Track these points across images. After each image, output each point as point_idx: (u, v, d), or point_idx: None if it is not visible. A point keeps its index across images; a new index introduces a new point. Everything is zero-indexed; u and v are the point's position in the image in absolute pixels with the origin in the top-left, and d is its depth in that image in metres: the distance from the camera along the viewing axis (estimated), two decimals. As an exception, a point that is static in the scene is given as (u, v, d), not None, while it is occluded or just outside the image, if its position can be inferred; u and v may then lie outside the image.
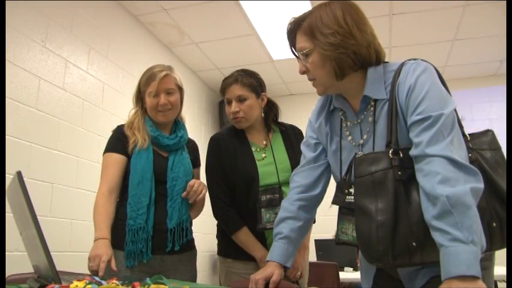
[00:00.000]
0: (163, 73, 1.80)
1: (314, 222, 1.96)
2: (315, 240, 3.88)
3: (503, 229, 1.09)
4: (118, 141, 1.81)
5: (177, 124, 1.94)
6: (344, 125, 1.30)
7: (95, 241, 1.59)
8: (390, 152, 1.11)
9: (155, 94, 1.80)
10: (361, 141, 1.24)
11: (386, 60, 1.27)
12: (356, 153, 1.19)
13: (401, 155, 1.10)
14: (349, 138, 1.28)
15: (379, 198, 1.09)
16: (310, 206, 1.43)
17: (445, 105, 1.07)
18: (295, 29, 1.28)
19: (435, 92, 1.09)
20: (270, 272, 1.33)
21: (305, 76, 1.32)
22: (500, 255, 1.21)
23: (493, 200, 1.09)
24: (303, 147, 1.46)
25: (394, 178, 1.08)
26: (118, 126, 1.88)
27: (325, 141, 1.37)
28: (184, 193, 1.77)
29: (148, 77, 1.82)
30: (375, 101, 1.21)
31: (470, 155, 1.10)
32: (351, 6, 1.21)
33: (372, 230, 1.07)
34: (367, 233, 1.08)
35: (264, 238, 1.80)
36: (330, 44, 1.17)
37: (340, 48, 1.16)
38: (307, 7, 3.66)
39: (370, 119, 1.22)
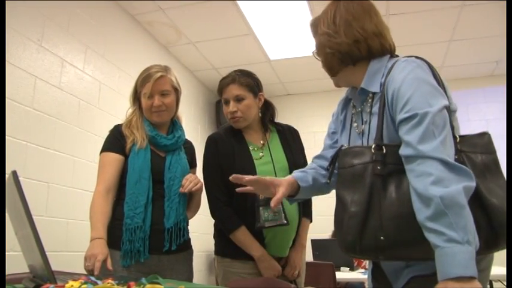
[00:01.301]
0: (158, 74, 1.80)
1: (311, 221, 1.97)
2: (312, 240, 3.88)
3: (480, 238, 1.02)
4: (115, 141, 1.80)
5: (174, 124, 1.94)
6: (353, 112, 1.34)
7: (91, 241, 1.59)
8: (373, 147, 1.13)
9: (149, 95, 1.80)
10: (362, 129, 1.27)
11: None
12: (342, 146, 1.27)
13: (384, 150, 1.11)
14: (355, 125, 1.31)
15: (356, 190, 1.12)
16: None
17: (433, 103, 1.06)
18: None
19: (422, 90, 1.09)
20: (279, 182, 1.34)
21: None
22: (497, 255, 1.20)
23: (473, 208, 1.03)
24: (324, 138, 1.52)
25: (373, 172, 1.10)
26: (115, 126, 1.87)
27: (339, 130, 1.41)
28: (181, 189, 1.76)
29: (143, 78, 1.82)
30: (374, 93, 1.23)
31: (456, 156, 1.08)
32: (347, 4, 1.26)
33: (344, 219, 1.11)
34: (340, 222, 1.13)
35: (262, 237, 1.80)
36: (319, 44, 1.28)
37: (326, 48, 1.26)
38: (304, 7, 3.66)
39: (368, 110, 1.24)
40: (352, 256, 1.27)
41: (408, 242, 1.00)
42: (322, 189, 1.45)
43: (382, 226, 1.06)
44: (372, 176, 1.10)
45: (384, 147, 1.11)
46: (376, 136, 1.15)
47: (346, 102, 1.40)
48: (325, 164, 1.42)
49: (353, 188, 1.13)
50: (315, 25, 1.32)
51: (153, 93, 1.80)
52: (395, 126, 1.12)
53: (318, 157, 1.49)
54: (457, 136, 1.15)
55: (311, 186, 1.41)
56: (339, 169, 1.20)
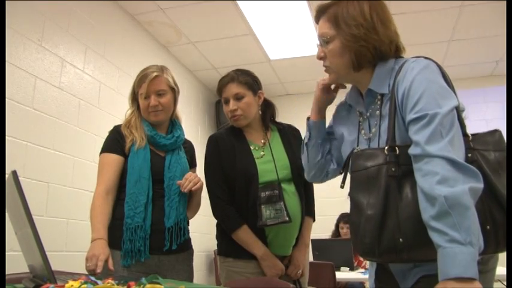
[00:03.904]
0: (153, 74, 1.80)
1: (314, 220, 1.98)
2: (312, 240, 3.87)
3: (497, 233, 1.06)
4: (115, 142, 1.81)
5: (174, 124, 1.94)
6: (360, 119, 1.32)
7: (92, 242, 1.59)
8: (386, 148, 1.12)
9: (146, 96, 1.81)
10: (370, 135, 1.26)
11: None
12: (354, 148, 1.23)
13: (397, 151, 1.10)
14: (363, 132, 1.29)
15: (371, 192, 1.10)
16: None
17: (443, 104, 1.06)
18: (319, 15, 1.31)
19: (432, 90, 1.09)
20: None
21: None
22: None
23: (490, 203, 1.07)
24: None
25: (388, 174, 1.09)
26: (115, 127, 1.88)
27: (345, 136, 1.38)
28: (181, 188, 1.76)
29: (139, 79, 1.83)
30: (382, 95, 1.22)
31: (469, 154, 1.09)
32: (379, 4, 1.25)
33: (361, 223, 1.10)
34: (357, 225, 1.11)
35: (264, 236, 1.80)
36: (352, 35, 1.20)
37: (362, 41, 1.20)
38: (304, 7, 3.66)
39: (377, 113, 1.23)
40: (370, 260, 1.25)
41: (426, 243, 0.98)
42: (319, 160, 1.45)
43: (400, 228, 1.05)
44: (387, 177, 1.09)
45: (396, 148, 1.11)
46: (389, 137, 1.13)
47: (349, 109, 1.38)
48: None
49: (368, 191, 1.11)
50: (337, 13, 1.24)
51: (149, 93, 1.80)
52: (406, 126, 1.12)
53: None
54: (469, 134, 1.15)
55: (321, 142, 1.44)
56: (352, 172, 1.17)
